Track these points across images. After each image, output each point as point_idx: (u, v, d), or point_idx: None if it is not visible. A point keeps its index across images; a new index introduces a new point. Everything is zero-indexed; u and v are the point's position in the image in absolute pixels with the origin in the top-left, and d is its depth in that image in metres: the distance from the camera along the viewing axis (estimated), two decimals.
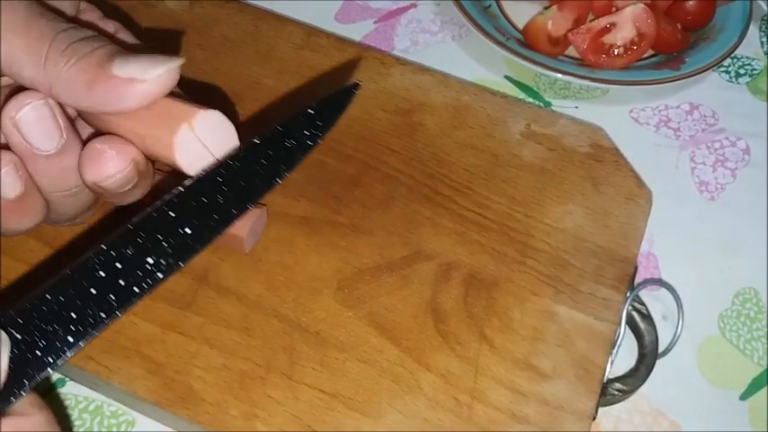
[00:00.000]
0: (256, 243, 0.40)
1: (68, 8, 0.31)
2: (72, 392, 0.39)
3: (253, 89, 0.46)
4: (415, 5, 0.56)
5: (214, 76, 0.47)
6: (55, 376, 0.40)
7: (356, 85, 0.32)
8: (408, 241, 0.41)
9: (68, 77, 0.27)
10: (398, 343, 0.37)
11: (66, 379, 0.40)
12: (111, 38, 0.30)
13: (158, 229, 0.27)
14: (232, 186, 0.28)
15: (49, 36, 0.27)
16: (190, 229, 0.27)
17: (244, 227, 0.39)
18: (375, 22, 0.55)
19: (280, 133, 0.30)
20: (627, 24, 0.51)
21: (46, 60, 0.27)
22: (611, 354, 0.38)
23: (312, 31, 0.49)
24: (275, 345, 0.37)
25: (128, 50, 0.28)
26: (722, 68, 0.55)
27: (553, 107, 0.52)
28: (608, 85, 0.50)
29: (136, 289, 0.25)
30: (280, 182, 0.29)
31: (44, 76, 0.27)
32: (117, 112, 0.28)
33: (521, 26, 0.54)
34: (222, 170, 0.29)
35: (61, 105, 0.29)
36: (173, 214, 0.27)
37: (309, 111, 0.30)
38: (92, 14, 0.33)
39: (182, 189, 0.28)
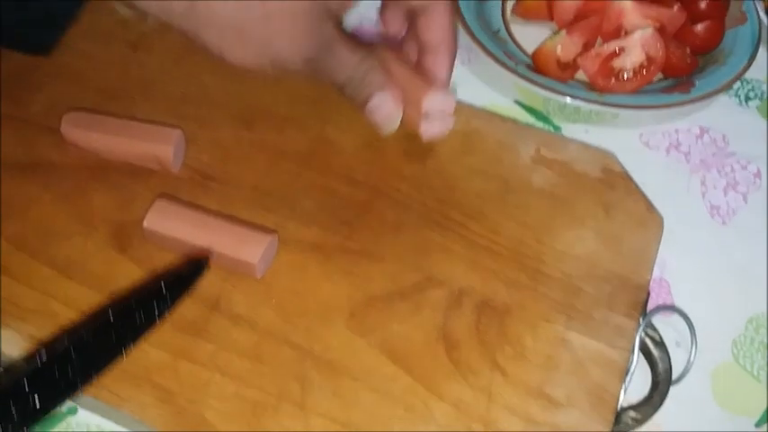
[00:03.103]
0: (268, 269, 0.40)
1: None
2: (84, 421, 0.39)
3: (263, 115, 0.47)
4: None
5: (225, 102, 0.47)
6: (67, 404, 0.40)
7: (206, 261, 0.37)
8: (420, 267, 0.41)
9: None
10: (411, 371, 0.37)
11: (79, 407, 0.40)
12: None
13: (9, 398, 0.30)
14: (81, 358, 0.32)
15: None
16: (38, 398, 0.30)
17: (256, 254, 0.39)
18: None
19: (131, 309, 0.34)
20: (636, 49, 0.51)
21: None
22: (624, 381, 0.38)
23: None
24: (287, 373, 0.37)
25: None
26: (732, 92, 0.55)
27: (563, 131, 0.52)
28: (618, 110, 0.50)
29: None
30: (124, 355, 0.33)
31: None
32: None
33: (530, 50, 0.54)
34: (75, 342, 0.32)
35: None
36: (25, 385, 0.30)
37: (160, 287, 0.34)
38: None
39: (37, 362, 0.31)
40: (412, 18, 0.44)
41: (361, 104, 0.42)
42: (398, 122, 0.42)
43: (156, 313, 0.34)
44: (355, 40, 0.40)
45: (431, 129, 0.43)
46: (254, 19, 0.35)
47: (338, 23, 0.39)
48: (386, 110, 0.42)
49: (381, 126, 0.42)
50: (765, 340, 0.44)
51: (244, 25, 0.35)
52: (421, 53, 0.44)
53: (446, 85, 0.44)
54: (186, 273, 0.36)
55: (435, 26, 0.43)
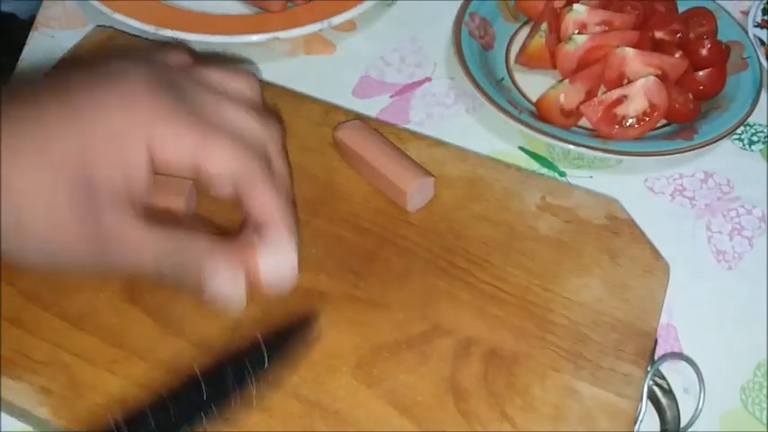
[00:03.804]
0: (420, 208, 0.45)
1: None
2: None
3: None
4: (429, 79, 0.58)
5: None
6: None
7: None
8: (426, 316, 0.41)
9: None
10: (419, 423, 0.37)
11: None
12: None
13: None
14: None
15: None
16: None
17: (410, 184, 0.44)
18: (391, 97, 0.56)
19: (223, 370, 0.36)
20: (639, 96, 0.52)
21: None
22: (632, 430, 0.38)
23: (330, 108, 0.50)
24: (295, 425, 0.37)
25: None
26: (735, 136, 0.55)
27: (568, 177, 0.52)
28: (621, 156, 0.51)
29: None
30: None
31: None
32: None
33: (534, 98, 0.55)
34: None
35: None
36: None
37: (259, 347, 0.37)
38: None
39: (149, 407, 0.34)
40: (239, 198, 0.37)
41: (194, 291, 0.34)
42: (244, 298, 0.34)
43: (250, 376, 0.35)
44: (159, 215, 0.34)
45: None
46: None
47: (128, 208, 0.33)
48: (224, 288, 0.33)
49: (229, 309, 0.34)
50: None
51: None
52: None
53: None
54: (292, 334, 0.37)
55: (260, 205, 0.36)
